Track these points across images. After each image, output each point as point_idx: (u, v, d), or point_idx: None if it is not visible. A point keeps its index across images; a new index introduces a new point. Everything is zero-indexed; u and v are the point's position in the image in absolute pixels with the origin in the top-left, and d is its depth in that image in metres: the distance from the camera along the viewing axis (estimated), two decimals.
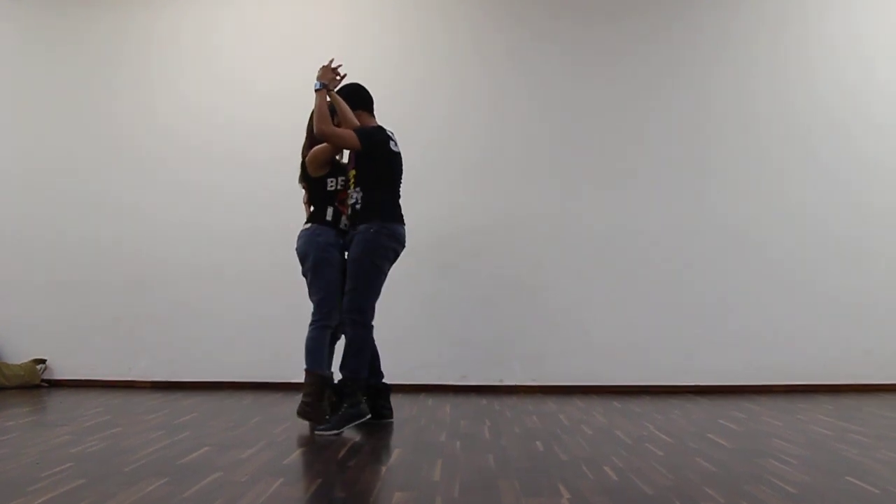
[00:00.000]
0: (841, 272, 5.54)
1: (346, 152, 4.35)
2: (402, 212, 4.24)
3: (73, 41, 6.02)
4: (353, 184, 4.16)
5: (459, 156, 5.70)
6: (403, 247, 4.22)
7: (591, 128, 5.69)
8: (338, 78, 4.17)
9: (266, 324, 5.57)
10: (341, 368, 4.04)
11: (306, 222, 4.24)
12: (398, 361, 5.01)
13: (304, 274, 4.19)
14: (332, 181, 4.22)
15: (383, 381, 4.36)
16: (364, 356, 4.05)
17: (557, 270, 5.60)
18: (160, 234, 5.83)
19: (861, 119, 5.63)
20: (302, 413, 4.07)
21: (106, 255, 5.85)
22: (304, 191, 4.38)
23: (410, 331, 5.47)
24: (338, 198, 4.23)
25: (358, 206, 4.11)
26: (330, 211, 4.19)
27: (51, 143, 5.98)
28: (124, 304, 5.81)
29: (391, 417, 4.31)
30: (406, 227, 4.23)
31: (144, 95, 5.94)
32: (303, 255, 4.17)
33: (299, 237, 4.21)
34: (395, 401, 4.68)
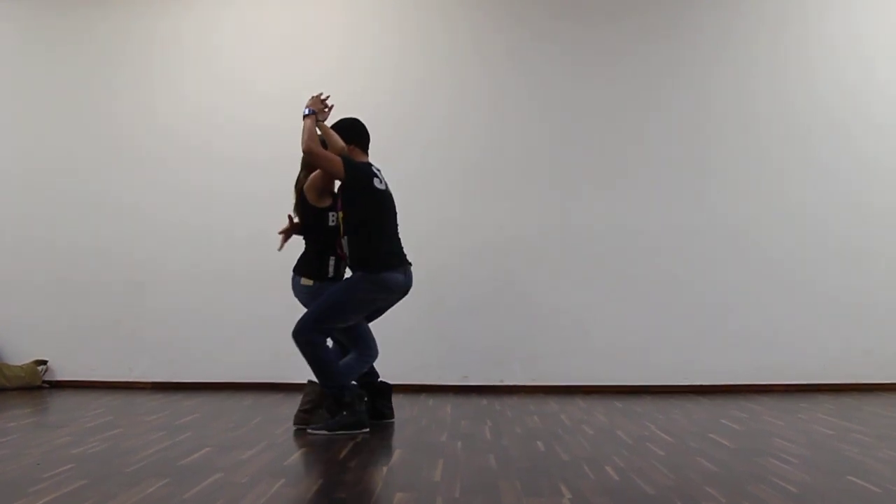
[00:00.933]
0: (841, 272, 5.54)
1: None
2: (404, 253, 4.13)
3: (73, 41, 6.02)
4: (342, 230, 4.03)
5: (459, 156, 5.70)
6: (403, 290, 4.11)
7: (591, 128, 5.69)
8: (326, 109, 4.12)
9: (266, 324, 5.56)
10: (325, 388, 3.98)
11: (301, 273, 4.11)
12: (399, 362, 5.02)
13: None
14: (333, 215, 4.10)
15: (381, 380, 4.34)
16: (330, 367, 3.95)
17: (558, 270, 5.60)
18: (161, 234, 5.83)
19: (861, 119, 5.63)
20: (299, 421, 4.05)
21: (106, 255, 5.85)
22: (287, 220, 4.24)
23: (411, 331, 5.47)
24: (339, 244, 4.09)
25: (347, 259, 4.05)
26: (331, 263, 4.10)
27: (51, 144, 5.98)
28: (125, 305, 5.81)
29: (392, 417, 4.31)
30: (412, 268, 4.14)
31: (144, 96, 5.94)
32: (306, 306, 4.12)
33: (299, 288, 4.12)
34: (396, 401, 4.67)
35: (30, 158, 6.01)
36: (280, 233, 4.26)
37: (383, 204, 4.10)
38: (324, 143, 4.08)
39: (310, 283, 4.10)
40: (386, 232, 4.10)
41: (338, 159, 3.95)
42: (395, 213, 4.19)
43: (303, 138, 3.96)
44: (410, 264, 4.16)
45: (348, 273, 4.17)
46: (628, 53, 5.72)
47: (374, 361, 4.25)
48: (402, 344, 5.26)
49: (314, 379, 4.09)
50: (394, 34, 5.83)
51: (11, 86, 6.07)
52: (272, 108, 5.74)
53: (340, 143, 4.09)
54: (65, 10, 6.04)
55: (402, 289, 4.11)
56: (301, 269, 4.15)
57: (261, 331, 5.59)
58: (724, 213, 5.59)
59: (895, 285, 5.53)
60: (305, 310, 4.11)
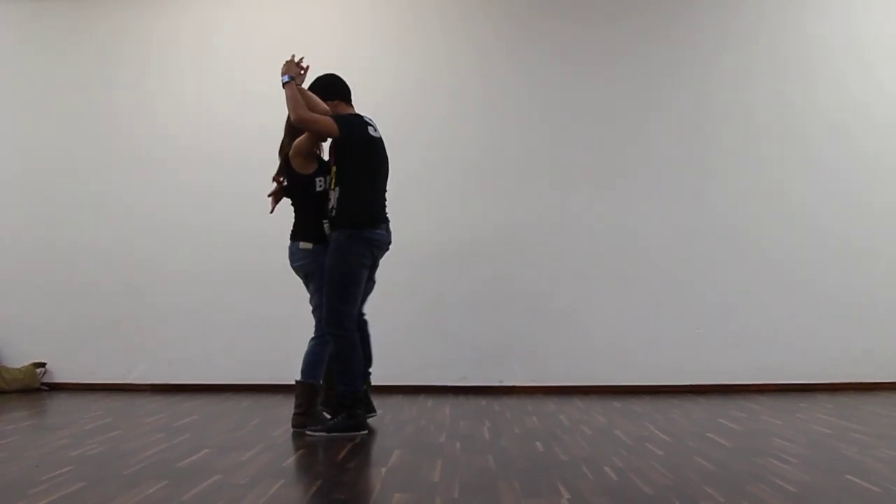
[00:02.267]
0: (840, 272, 5.53)
1: (326, 148, 4.23)
2: (386, 211, 4.13)
3: (72, 42, 6.02)
4: (333, 183, 4.01)
5: (459, 156, 5.70)
6: (386, 246, 4.12)
7: (590, 128, 5.69)
8: (301, 71, 4.09)
9: (265, 326, 5.57)
10: (337, 384, 3.99)
11: (299, 237, 4.10)
12: (398, 362, 5.02)
13: (306, 285, 4.15)
14: (320, 180, 4.09)
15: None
16: (354, 367, 3.95)
17: (557, 271, 5.59)
18: (160, 235, 5.83)
19: (861, 119, 5.62)
20: (297, 424, 4.04)
21: (105, 257, 5.85)
22: (274, 184, 4.23)
23: (410, 332, 5.47)
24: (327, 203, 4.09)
25: (333, 213, 3.99)
26: (326, 227, 4.07)
27: (50, 145, 5.99)
28: (124, 307, 5.80)
29: (374, 412, 4.28)
30: (392, 222, 4.13)
31: (144, 96, 5.94)
32: (307, 275, 4.10)
33: (298, 255, 4.09)
34: (395, 402, 4.70)
35: (28, 159, 6.01)
36: (269, 195, 4.24)
37: (377, 153, 4.10)
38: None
39: (309, 245, 4.06)
40: (376, 185, 4.09)
41: (329, 120, 3.94)
42: (387, 162, 4.18)
43: (289, 107, 3.94)
44: (389, 221, 4.14)
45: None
46: (628, 53, 5.72)
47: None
48: (401, 344, 5.27)
49: (301, 378, 4.07)
50: (393, 35, 5.84)
51: (11, 86, 6.07)
52: (272, 108, 5.68)
53: (322, 105, 4.04)
54: (64, 11, 6.03)
55: (386, 245, 4.12)
56: (298, 234, 4.12)
57: (260, 332, 5.59)
58: (723, 212, 5.59)
59: (894, 285, 5.53)
60: (306, 308, 4.11)
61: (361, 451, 3.55)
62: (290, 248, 4.12)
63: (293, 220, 4.19)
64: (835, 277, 5.53)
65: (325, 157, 4.25)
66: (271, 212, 4.25)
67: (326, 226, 4.07)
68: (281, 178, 4.20)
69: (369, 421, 4.20)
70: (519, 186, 5.67)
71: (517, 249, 5.62)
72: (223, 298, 5.72)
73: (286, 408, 4.62)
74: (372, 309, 4.30)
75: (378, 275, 4.26)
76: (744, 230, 5.57)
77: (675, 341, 5.48)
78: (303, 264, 4.09)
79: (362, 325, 4.27)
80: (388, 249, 4.18)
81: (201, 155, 5.83)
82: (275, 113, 5.62)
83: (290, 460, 3.35)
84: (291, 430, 4.02)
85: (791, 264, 5.54)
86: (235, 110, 5.81)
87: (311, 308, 4.14)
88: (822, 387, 5.41)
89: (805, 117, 5.64)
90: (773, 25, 5.70)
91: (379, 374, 4.42)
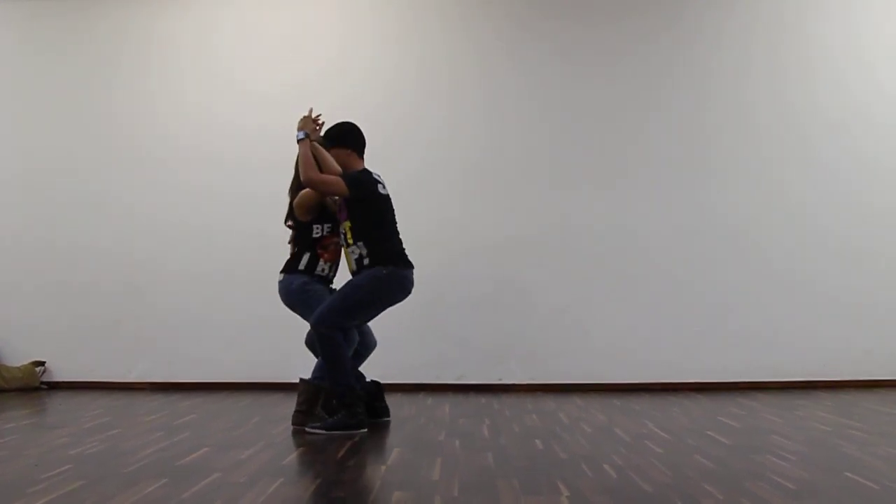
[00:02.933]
0: (840, 271, 5.53)
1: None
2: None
3: (72, 42, 6.02)
4: (350, 238, 4.05)
5: (459, 156, 5.70)
6: (408, 292, 4.17)
7: (590, 128, 5.69)
8: (317, 127, 4.14)
9: (265, 325, 5.56)
10: (331, 385, 3.98)
11: (281, 272, 4.20)
12: (397, 360, 5.02)
13: (300, 313, 4.19)
14: (317, 227, 4.16)
15: (372, 379, 4.32)
16: (343, 363, 3.94)
17: (556, 269, 5.60)
18: (159, 235, 5.83)
19: (860, 118, 5.63)
20: (296, 421, 4.05)
21: (105, 256, 5.85)
22: (290, 230, 4.30)
23: (409, 330, 5.47)
24: (320, 243, 4.17)
25: (366, 261, 4.01)
26: (305, 258, 4.13)
27: (50, 144, 5.99)
28: (123, 306, 5.80)
29: (388, 416, 4.30)
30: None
31: (144, 97, 5.94)
32: (288, 305, 4.18)
33: (279, 291, 4.18)
34: (394, 400, 4.69)
35: (28, 159, 6.01)
36: (289, 242, 4.32)
37: (388, 209, 4.17)
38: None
39: (281, 276, 4.17)
40: (396, 233, 4.18)
41: (339, 181, 3.97)
42: (395, 217, 4.24)
43: (301, 167, 3.98)
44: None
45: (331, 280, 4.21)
46: (628, 53, 5.72)
47: (370, 354, 4.29)
48: (400, 343, 5.26)
49: (305, 377, 4.09)
50: (392, 34, 5.84)
51: (10, 86, 6.07)
52: (272, 109, 5.74)
53: (335, 165, 4.07)
54: (63, 10, 6.03)
55: (410, 290, 4.18)
56: (289, 268, 4.20)
57: (259, 331, 5.60)
58: (723, 212, 5.59)
59: (894, 284, 5.53)
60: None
61: (361, 449, 3.55)
62: (284, 283, 4.19)
63: (289, 257, 4.25)
64: (834, 276, 5.53)
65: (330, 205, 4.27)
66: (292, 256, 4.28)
67: (306, 258, 4.14)
68: (289, 223, 4.28)
69: (376, 422, 4.21)
70: (518, 186, 5.67)
71: (517, 248, 5.62)
72: (223, 297, 5.72)
73: (286, 406, 4.63)
74: None
75: None
76: (744, 230, 5.58)
77: (674, 340, 5.48)
78: (281, 296, 4.18)
79: (365, 330, 4.31)
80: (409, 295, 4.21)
81: (201, 155, 5.83)
82: (275, 113, 5.68)
83: (290, 458, 3.35)
84: (291, 427, 4.02)
85: (791, 263, 5.55)
86: (235, 110, 5.82)
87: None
88: (822, 384, 5.42)
89: (805, 117, 5.64)
90: (773, 25, 5.70)
91: (378, 373, 4.43)
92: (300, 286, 4.11)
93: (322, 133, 4.19)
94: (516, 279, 5.60)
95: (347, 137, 4.20)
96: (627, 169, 5.65)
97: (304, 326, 4.16)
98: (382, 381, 4.38)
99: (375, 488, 2.83)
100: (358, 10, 5.86)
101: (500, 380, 5.52)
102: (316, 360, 4.14)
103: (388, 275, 4.00)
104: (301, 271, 4.14)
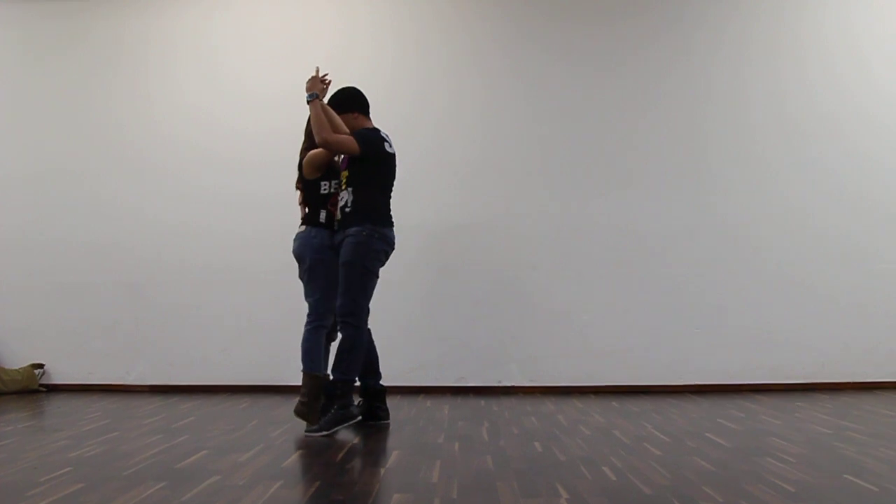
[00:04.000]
0: (840, 272, 5.53)
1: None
2: (392, 214, 4.28)
3: (70, 44, 6.00)
4: (344, 184, 4.22)
5: (457, 157, 5.70)
6: (393, 249, 4.27)
7: (588, 129, 5.68)
8: (324, 86, 4.20)
9: (264, 327, 5.57)
10: (333, 370, 4.05)
11: (301, 224, 4.30)
12: (396, 363, 5.01)
13: (301, 276, 4.25)
14: (325, 184, 4.28)
15: (379, 382, 4.36)
16: (356, 357, 4.05)
17: (555, 272, 5.59)
18: (158, 237, 5.82)
19: (859, 118, 5.63)
20: (299, 412, 4.09)
21: (104, 258, 5.84)
22: (299, 192, 4.40)
23: (408, 332, 5.47)
24: (330, 200, 4.27)
25: (348, 209, 4.15)
26: (323, 214, 4.24)
27: (49, 147, 5.97)
28: (122, 308, 5.80)
29: (388, 419, 4.31)
30: (395, 229, 4.27)
31: (143, 98, 5.93)
32: (299, 257, 4.24)
33: (295, 239, 4.27)
34: (394, 402, 4.69)
35: (27, 160, 5.99)
36: (300, 203, 4.39)
37: (390, 168, 4.29)
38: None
39: (303, 227, 4.26)
40: (387, 192, 4.29)
41: (351, 140, 4.11)
42: (395, 176, 4.35)
43: (314, 128, 4.06)
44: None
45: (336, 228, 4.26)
46: (627, 54, 5.72)
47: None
48: (399, 345, 5.26)
49: (309, 371, 4.10)
50: (390, 35, 5.83)
51: (9, 89, 6.05)
52: (270, 110, 5.74)
53: (343, 125, 4.19)
54: (63, 11, 6.02)
55: (393, 247, 4.28)
56: (303, 220, 4.31)
57: (258, 334, 5.59)
58: (722, 212, 5.59)
59: (894, 285, 5.53)
60: (304, 309, 4.14)
61: (360, 451, 3.55)
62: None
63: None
64: (834, 278, 5.54)
65: (336, 161, 4.40)
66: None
67: (323, 213, 4.22)
68: (300, 186, 4.37)
69: (376, 424, 4.22)
70: (516, 188, 5.67)
71: (515, 250, 5.62)
72: (222, 299, 5.71)
73: (285, 408, 4.64)
74: (371, 308, 4.30)
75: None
76: (742, 231, 5.57)
77: (673, 341, 5.48)
78: (295, 245, 4.26)
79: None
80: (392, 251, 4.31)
81: (200, 156, 5.82)
82: (273, 114, 5.69)
83: (289, 461, 3.35)
84: (294, 418, 4.08)
85: (790, 265, 5.55)
86: (234, 112, 5.81)
87: (306, 301, 4.23)
88: (821, 386, 5.42)
89: (803, 117, 5.64)
90: (769, 26, 5.70)
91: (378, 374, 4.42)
92: (319, 247, 4.16)
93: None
94: (515, 280, 5.60)
95: (352, 102, 4.33)
96: (626, 170, 5.65)
97: (303, 328, 4.16)
98: (381, 384, 4.38)
99: (375, 491, 2.82)
100: (356, 12, 5.86)
101: (499, 382, 5.52)
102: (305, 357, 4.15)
103: (368, 235, 4.08)
104: (322, 224, 4.23)
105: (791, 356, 5.47)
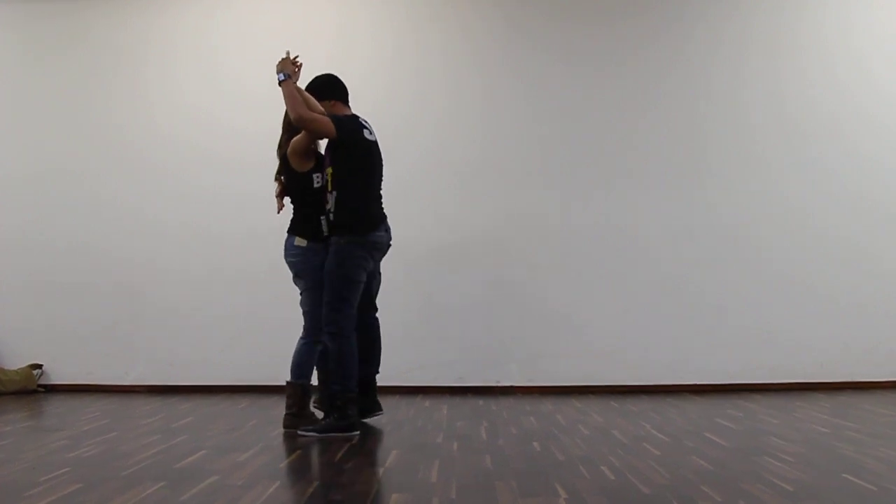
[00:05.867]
0: (839, 271, 5.53)
1: (324, 145, 4.25)
2: (384, 210, 4.17)
3: (70, 44, 5.99)
4: (330, 185, 4.03)
5: (456, 158, 5.69)
6: (386, 248, 4.17)
7: (588, 129, 5.68)
8: (295, 68, 4.10)
9: (262, 327, 5.56)
10: (331, 384, 3.99)
11: (295, 232, 4.12)
12: (395, 363, 5.00)
13: (296, 283, 4.18)
14: (317, 177, 4.11)
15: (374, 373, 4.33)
16: (347, 365, 3.97)
17: (554, 272, 5.59)
18: (157, 237, 5.81)
19: (859, 118, 5.62)
20: (288, 424, 4.03)
21: (102, 259, 5.83)
22: (277, 184, 4.28)
23: (407, 332, 5.46)
24: (324, 195, 4.10)
25: (331, 216, 4.01)
26: (324, 224, 4.08)
27: (48, 146, 5.97)
28: (121, 309, 5.79)
29: (381, 410, 4.29)
30: (389, 223, 4.17)
31: (142, 99, 5.92)
32: (297, 272, 4.13)
33: (292, 250, 4.11)
34: (392, 402, 4.69)
35: (26, 160, 5.98)
36: (276, 195, 4.30)
37: (372, 156, 4.14)
38: None
39: (303, 242, 4.09)
40: (372, 187, 4.13)
41: (327, 119, 3.97)
42: (382, 165, 4.23)
43: (288, 105, 3.96)
44: (387, 218, 4.19)
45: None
46: (626, 54, 5.71)
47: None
48: (398, 345, 5.24)
49: (290, 379, 4.07)
50: (389, 35, 5.82)
51: (9, 90, 6.05)
52: (270, 110, 5.65)
53: (318, 105, 4.07)
54: (62, 10, 6.01)
55: (386, 246, 4.18)
56: (295, 229, 4.15)
57: (256, 334, 5.59)
58: (721, 212, 5.59)
59: (893, 285, 5.53)
60: (299, 297, 4.14)
61: (359, 451, 3.55)
62: (286, 242, 4.16)
63: (292, 215, 4.23)
64: (833, 277, 5.53)
65: (322, 151, 4.28)
66: (278, 212, 4.31)
67: (325, 223, 4.09)
68: (282, 177, 4.24)
69: (374, 419, 4.22)
70: (515, 188, 5.66)
71: (514, 250, 5.61)
72: (220, 300, 5.71)
73: (283, 409, 4.63)
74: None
75: None
76: (741, 230, 5.57)
77: (672, 341, 5.48)
78: (294, 261, 4.12)
79: (373, 325, 4.32)
80: (388, 249, 4.23)
81: (200, 156, 5.82)
82: (273, 114, 5.63)
83: (288, 461, 3.35)
84: (283, 431, 4.01)
85: (788, 264, 5.55)
86: (233, 112, 5.79)
87: (301, 307, 4.17)
88: (820, 386, 5.41)
89: (802, 118, 5.63)
90: (768, 26, 5.70)
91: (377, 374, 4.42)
92: (319, 267, 4.03)
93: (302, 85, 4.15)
94: (513, 280, 5.60)
95: (328, 89, 4.19)
96: (625, 170, 5.65)
97: (301, 327, 4.16)
98: (380, 384, 4.39)
99: (373, 490, 2.82)
100: (356, 12, 5.86)
101: (498, 382, 5.52)
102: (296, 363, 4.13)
103: (347, 243, 3.97)
104: (325, 240, 4.06)
105: (790, 356, 5.47)
